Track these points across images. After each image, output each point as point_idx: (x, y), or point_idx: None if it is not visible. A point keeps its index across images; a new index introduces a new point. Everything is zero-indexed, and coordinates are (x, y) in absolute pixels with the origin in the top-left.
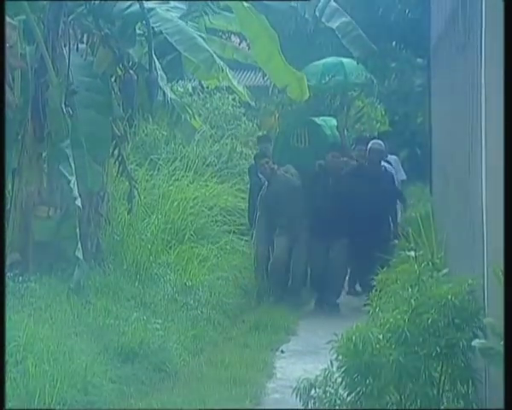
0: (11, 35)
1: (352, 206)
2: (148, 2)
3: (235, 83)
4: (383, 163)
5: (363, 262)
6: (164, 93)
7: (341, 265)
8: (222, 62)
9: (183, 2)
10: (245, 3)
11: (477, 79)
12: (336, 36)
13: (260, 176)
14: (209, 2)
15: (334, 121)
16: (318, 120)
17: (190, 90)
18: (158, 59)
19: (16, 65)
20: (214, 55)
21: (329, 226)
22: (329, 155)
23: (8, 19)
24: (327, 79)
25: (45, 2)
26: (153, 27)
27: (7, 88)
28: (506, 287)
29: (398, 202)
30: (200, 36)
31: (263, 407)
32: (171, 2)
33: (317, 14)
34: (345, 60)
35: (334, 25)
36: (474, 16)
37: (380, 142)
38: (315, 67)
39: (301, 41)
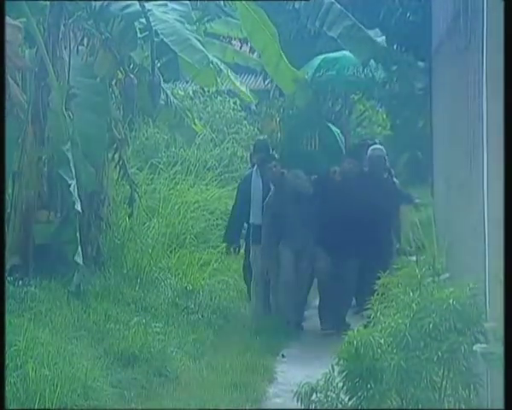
0: (16, 36)
1: (359, 217)
2: (146, 4)
3: (237, 83)
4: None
5: (366, 279)
6: (167, 94)
7: (352, 283)
8: (221, 63)
9: (182, 4)
10: (253, 9)
11: (479, 83)
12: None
13: (256, 184)
14: (220, 6)
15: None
16: (331, 125)
17: (191, 93)
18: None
19: (21, 65)
20: (209, 56)
21: (340, 240)
22: (346, 161)
23: (12, 20)
24: (321, 72)
25: (46, 4)
26: (156, 30)
27: (15, 87)
28: (506, 291)
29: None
30: (196, 38)
31: None
32: (170, 4)
33: (320, 19)
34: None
35: (337, 30)
36: (476, 19)
37: (381, 147)
38: (318, 61)
39: (302, 45)
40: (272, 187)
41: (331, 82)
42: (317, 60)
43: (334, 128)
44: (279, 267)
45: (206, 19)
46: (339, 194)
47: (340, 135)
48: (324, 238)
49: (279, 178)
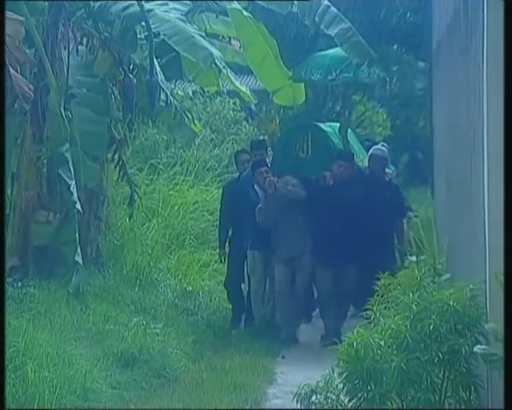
0: (19, 31)
1: (355, 223)
2: (147, 4)
3: (237, 83)
4: (387, 171)
5: (364, 286)
6: (166, 94)
7: (350, 293)
8: (223, 62)
9: (183, 4)
10: (245, 12)
11: (479, 83)
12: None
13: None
14: (209, 3)
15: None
16: (324, 126)
17: (191, 94)
18: (157, 58)
19: (24, 60)
20: (214, 54)
21: (336, 248)
22: (335, 164)
23: (15, 15)
24: (333, 75)
25: (45, 4)
26: (158, 31)
27: (23, 80)
28: (506, 292)
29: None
30: (200, 34)
31: None
32: (171, 4)
33: (317, 19)
34: None
35: (333, 31)
36: (476, 20)
37: (382, 148)
38: (320, 59)
39: (302, 45)
40: (263, 195)
41: (348, 85)
42: (321, 58)
43: (332, 125)
44: (274, 278)
45: (196, 12)
46: (332, 198)
47: (337, 132)
48: (321, 246)
49: (269, 187)
